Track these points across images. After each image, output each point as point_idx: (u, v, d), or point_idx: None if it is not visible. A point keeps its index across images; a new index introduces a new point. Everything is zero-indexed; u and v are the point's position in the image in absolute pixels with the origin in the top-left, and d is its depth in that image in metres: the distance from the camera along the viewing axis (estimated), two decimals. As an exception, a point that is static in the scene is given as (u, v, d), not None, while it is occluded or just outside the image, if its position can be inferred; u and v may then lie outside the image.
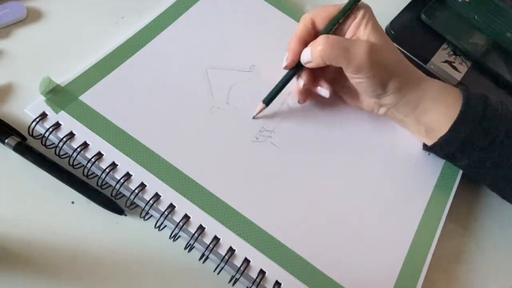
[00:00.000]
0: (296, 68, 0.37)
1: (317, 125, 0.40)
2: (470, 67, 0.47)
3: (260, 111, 0.38)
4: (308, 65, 0.36)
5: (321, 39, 0.34)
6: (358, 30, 0.35)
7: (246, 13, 0.44)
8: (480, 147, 0.35)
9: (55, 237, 0.32)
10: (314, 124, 0.39)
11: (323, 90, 0.38)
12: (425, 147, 0.39)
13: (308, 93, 0.39)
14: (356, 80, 0.35)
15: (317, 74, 0.38)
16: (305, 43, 0.36)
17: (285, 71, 0.38)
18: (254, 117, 0.38)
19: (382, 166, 0.39)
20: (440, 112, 0.36)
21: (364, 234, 0.35)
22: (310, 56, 0.35)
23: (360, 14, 0.35)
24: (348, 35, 0.36)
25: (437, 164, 0.40)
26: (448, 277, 0.38)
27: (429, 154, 0.40)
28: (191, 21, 0.42)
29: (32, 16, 0.41)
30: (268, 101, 0.38)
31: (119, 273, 0.32)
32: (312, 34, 0.36)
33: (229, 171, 0.35)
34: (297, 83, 0.38)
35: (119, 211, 0.34)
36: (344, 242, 0.35)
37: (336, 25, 0.36)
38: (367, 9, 0.36)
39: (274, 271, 0.32)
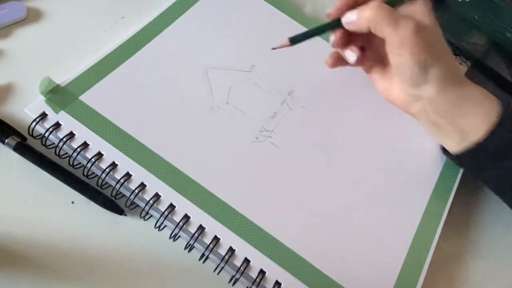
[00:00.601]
0: (336, 23, 0.34)
1: (317, 125, 0.40)
2: (470, 67, 0.47)
3: (283, 46, 0.35)
4: (349, 26, 0.34)
5: (373, 4, 0.32)
6: (412, 11, 0.33)
7: (246, 13, 0.44)
8: None
9: (55, 237, 0.32)
10: (314, 124, 0.39)
11: (351, 53, 0.35)
12: (446, 152, 0.38)
13: (336, 58, 0.37)
14: (397, 57, 0.33)
15: (353, 40, 0.36)
16: (355, 1, 0.34)
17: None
18: (273, 48, 0.35)
19: (382, 166, 0.39)
20: (479, 118, 0.34)
21: (364, 234, 0.35)
22: (356, 16, 0.33)
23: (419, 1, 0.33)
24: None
25: (437, 165, 0.40)
26: (448, 277, 0.38)
27: (456, 163, 0.38)
28: (191, 21, 0.42)
29: (32, 16, 0.41)
30: (294, 41, 0.35)
31: (119, 273, 0.32)
32: None
33: (229, 171, 0.35)
34: (330, 39, 0.36)
35: (119, 211, 0.34)
36: (344, 242, 0.35)
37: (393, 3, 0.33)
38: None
39: (274, 271, 0.32)
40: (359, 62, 0.36)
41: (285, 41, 0.35)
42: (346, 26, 0.34)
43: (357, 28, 0.34)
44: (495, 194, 0.38)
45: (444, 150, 0.38)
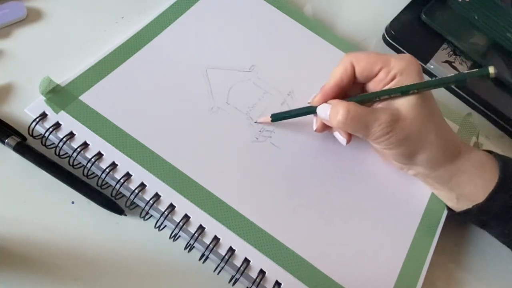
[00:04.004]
0: (314, 109, 0.35)
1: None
2: (470, 67, 0.47)
3: (265, 122, 0.38)
4: (324, 121, 0.35)
5: (342, 109, 0.32)
6: (388, 100, 0.33)
7: (246, 13, 0.44)
8: None
9: (55, 237, 0.32)
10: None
11: (341, 138, 0.35)
12: (451, 211, 0.37)
13: (323, 131, 0.37)
14: (380, 149, 0.34)
15: None
16: (340, 87, 0.34)
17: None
18: (255, 122, 0.38)
19: (382, 166, 0.39)
20: (476, 185, 0.34)
21: (365, 234, 0.35)
22: (328, 117, 0.33)
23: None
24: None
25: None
26: (448, 277, 0.38)
27: (455, 217, 0.37)
28: (191, 21, 0.42)
29: (32, 16, 0.41)
30: (276, 119, 0.37)
31: (119, 273, 0.32)
32: (350, 79, 0.34)
33: (229, 171, 0.35)
34: (314, 120, 0.37)
35: (119, 211, 0.34)
36: (344, 242, 0.35)
37: (386, 97, 0.33)
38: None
39: (274, 271, 0.32)
40: (350, 140, 0.35)
41: (267, 118, 0.37)
42: (321, 120, 0.35)
43: (332, 126, 0.34)
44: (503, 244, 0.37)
45: (449, 209, 0.38)
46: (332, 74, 0.35)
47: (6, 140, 0.33)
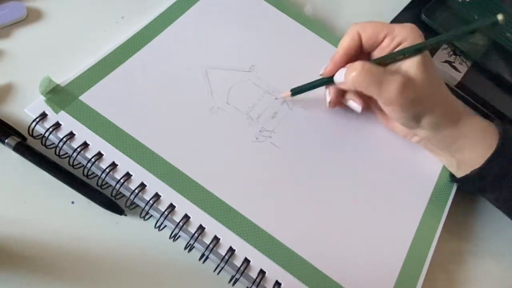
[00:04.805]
0: (331, 79, 0.37)
1: (317, 125, 0.40)
2: (470, 67, 0.47)
3: (286, 96, 0.39)
4: (340, 86, 0.36)
5: (358, 65, 0.33)
6: (403, 65, 0.34)
7: (246, 13, 0.44)
8: None
9: (55, 237, 0.32)
10: (314, 124, 0.39)
11: (355, 105, 0.37)
12: (453, 178, 0.39)
13: (337, 102, 0.39)
14: (388, 110, 0.35)
15: None
16: (349, 56, 0.36)
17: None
18: (276, 98, 0.39)
19: (382, 166, 0.39)
20: (475, 152, 0.35)
21: (364, 234, 0.35)
22: (344, 78, 0.34)
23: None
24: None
25: (437, 164, 0.40)
26: (448, 277, 0.38)
27: (456, 185, 0.39)
28: (191, 21, 0.42)
29: (32, 16, 0.41)
30: (295, 92, 0.38)
31: (119, 273, 0.32)
32: (358, 47, 0.36)
33: (229, 171, 0.35)
34: (326, 94, 0.38)
35: (119, 211, 0.34)
36: (344, 242, 0.35)
37: (383, 62, 0.35)
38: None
39: (274, 271, 0.32)
40: (365, 107, 0.37)
41: (288, 93, 0.39)
42: (338, 86, 0.36)
43: (347, 88, 0.35)
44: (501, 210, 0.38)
45: (451, 174, 0.39)
46: (340, 44, 0.36)
47: (6, 140, 0.33)
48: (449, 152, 0.37)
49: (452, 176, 0.39)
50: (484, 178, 0.36)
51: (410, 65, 0.34)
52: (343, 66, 0.35)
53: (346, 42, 0.36)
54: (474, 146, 0.36)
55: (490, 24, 0.30)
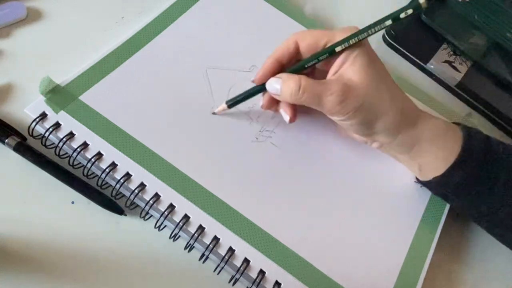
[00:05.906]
0: (263, 87, 0.35)
1: (317, 126, 0.39)
2: (470, 67, 0.47)
3: (222, 110, 0.37)
4: (275, 97, 0.34)
5: (294, 82, 0.32)
6: (343, 65, 0.32)
7: (246, 13, 0.44)
8: (476, 191, 0.34)
9: (55, 237, 0.32)
10: (314, 125, 0.39)
11: (284, 115, 0.35)
12: (418, 180, 0.38)
13: (270, 107, 0.36)
14: (335, 120, 0.34)
15: None
16: (281, 64, 0.34)
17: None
18: (213, 113, 0.37)
19: (382, 166, 0.39)
20: (436, 155, 0.34)
21: (364, 234, 0.35)
22: (279, 91, 0.33)
23: (350, 50, 0.32)
24: (333, 68, 0.33)
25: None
26: (448, 277, 0.38)
27: (420, 187, 0.38)
28: (191, 21, 0.42)
29: (32, 16, 0.41)
30: (231, 104, 0.37)
31: (119, 273, 0.32)
32: (292, 57, 0.34)
33: (229, 171, 0.35)
34: (261, 99, 0.36)
35: (119, 211, 0.34)
36: (344, 242, 0.35)
37: (315, 62, 0.33)
38: (360, 47, 0.32)
39: (274, 271, 0.32)
40: (294, 119, 0.35)
41: (224, 106, 0.37)
42: (272, 95, 0.34)
43: (283, 100, 0.34)
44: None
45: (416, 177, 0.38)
46: (273, 51, 0.35)
47: (6, 140, 0.33)
48: (409, 157, 0.35)
49: (417, 177, 0.38)
50: (446, 185, 0.34)
51: (351, 72, 0.32)
52: (273, 74, 0.34)
53: (279, 50, 0.34)
54: (435, 151, 0.34)
55: (412, 8, 0.29)
